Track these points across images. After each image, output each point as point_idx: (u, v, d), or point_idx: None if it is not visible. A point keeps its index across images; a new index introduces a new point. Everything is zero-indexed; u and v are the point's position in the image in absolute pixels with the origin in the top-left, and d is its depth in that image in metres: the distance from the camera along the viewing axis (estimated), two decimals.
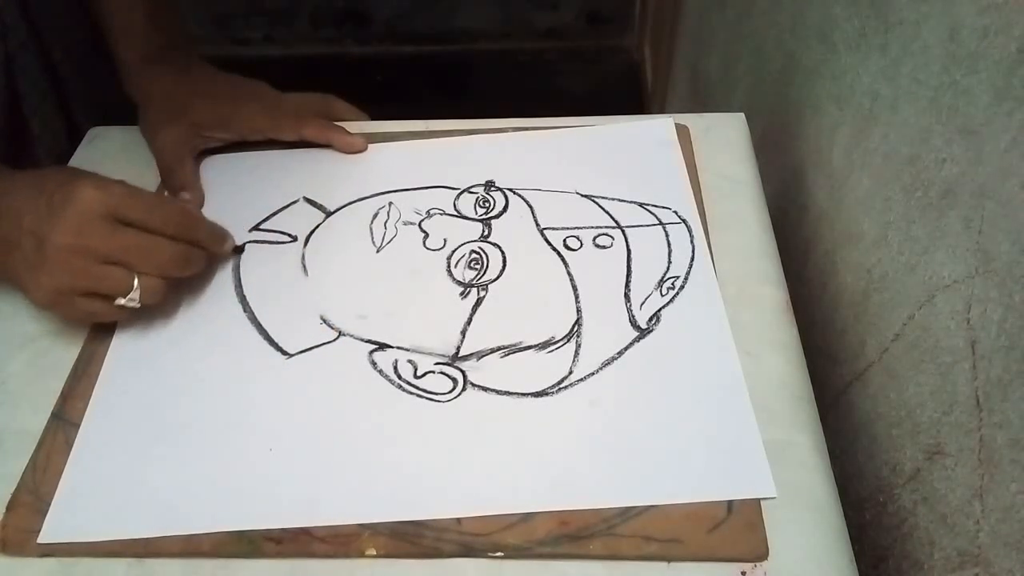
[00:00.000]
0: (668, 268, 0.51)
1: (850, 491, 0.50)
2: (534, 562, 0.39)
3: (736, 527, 0.39)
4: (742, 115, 0.61)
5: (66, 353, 0.48)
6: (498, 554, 0.39)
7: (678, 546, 0.39)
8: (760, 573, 0.38)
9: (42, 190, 0.45)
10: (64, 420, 0.45)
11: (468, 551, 0.39)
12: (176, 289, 0.49)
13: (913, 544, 0.43)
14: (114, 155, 0.62)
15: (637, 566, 0.39)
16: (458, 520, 0.40)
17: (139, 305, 0.46)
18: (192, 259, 0.48)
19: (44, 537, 0.40)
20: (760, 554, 0.39)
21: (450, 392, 0.45)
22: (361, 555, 0.39)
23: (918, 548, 0.43)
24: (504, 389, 0.45)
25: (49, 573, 0.40)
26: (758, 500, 0.40)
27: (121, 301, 0.45)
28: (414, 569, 0.39)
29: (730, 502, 0.40)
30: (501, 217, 0.55)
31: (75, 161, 0.62)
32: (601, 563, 0.39)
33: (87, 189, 0.44)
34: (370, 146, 0.60)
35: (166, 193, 0.58)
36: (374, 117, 0.64)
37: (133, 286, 0.45)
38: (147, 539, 0.40)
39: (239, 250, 0.53)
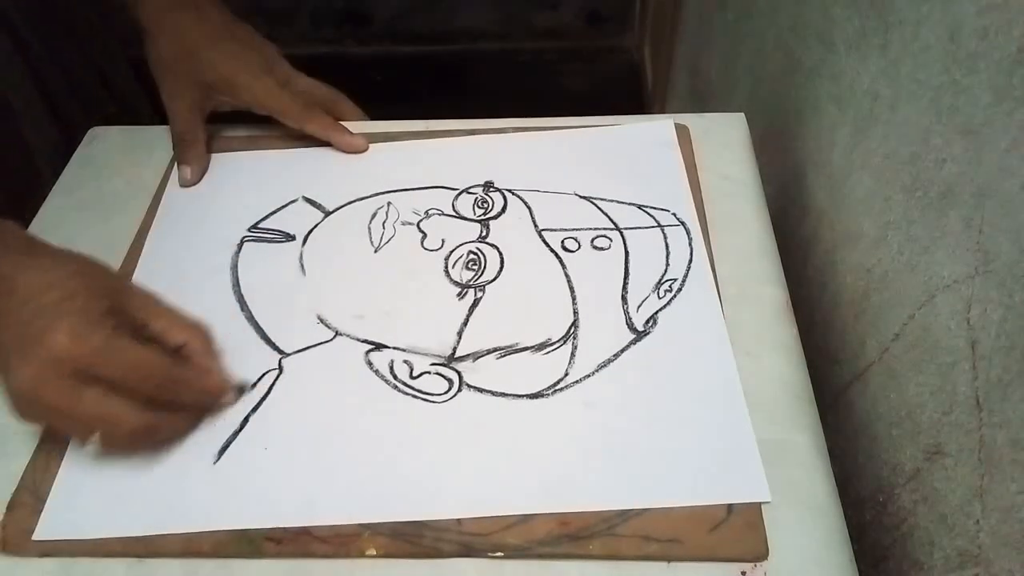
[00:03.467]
0: (666, 271, 0.51)
1: (850, 491, 0.50)
2: (534, 562, 0.39)
3: (736, 527, 0.39)
4: (742, 115, 0.61)
5: None
6: (498, 554, 0.39)
7: (678, 546, 0.39)
8: (760, 573, 0.38)
9: (29, 301, 0.39)
10: None
11: (468, 551, 0.39)
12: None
13: (913, 544, 0.43)
14: (114, 155, 0.62)
15: (637, 566, 0.39)
16: (458, 520, 0.40)
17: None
18: (161, 429, 0.42)
19: (40, 534, 0.40)
20: (760, 554, 0.39)
21: (446, 393, 0.45)
22: (361, 555, 0.39)
23: (918, 548, 0.43)
24: (500, 390, 0.45)
25: (49, 573, 0.40)
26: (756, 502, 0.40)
27: (80, 444, 0.42)
28: (414, 569, 0.39)
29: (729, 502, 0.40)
30: (499, 218, 0.54)
31: (75, 161, 0.62)
32: (601, 563, 0.39)
33: (59, 337, 0.38)
34: (369, 146, 0.60)
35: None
36: (374, 117, 0.64)
37: (89, 441, 0.41)
38: (147, 539, 0.40)
39: (242, 391, 0.46)
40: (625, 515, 0.40)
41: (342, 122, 0.61)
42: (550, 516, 0.40)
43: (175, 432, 0.43)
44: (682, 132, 0.59)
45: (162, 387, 0.41)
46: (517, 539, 0.39)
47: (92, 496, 0.42)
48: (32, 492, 0.42)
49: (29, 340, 0.39)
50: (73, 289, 0.40)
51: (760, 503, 0.40)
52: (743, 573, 0.38)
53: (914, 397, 0.43)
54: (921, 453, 0.42)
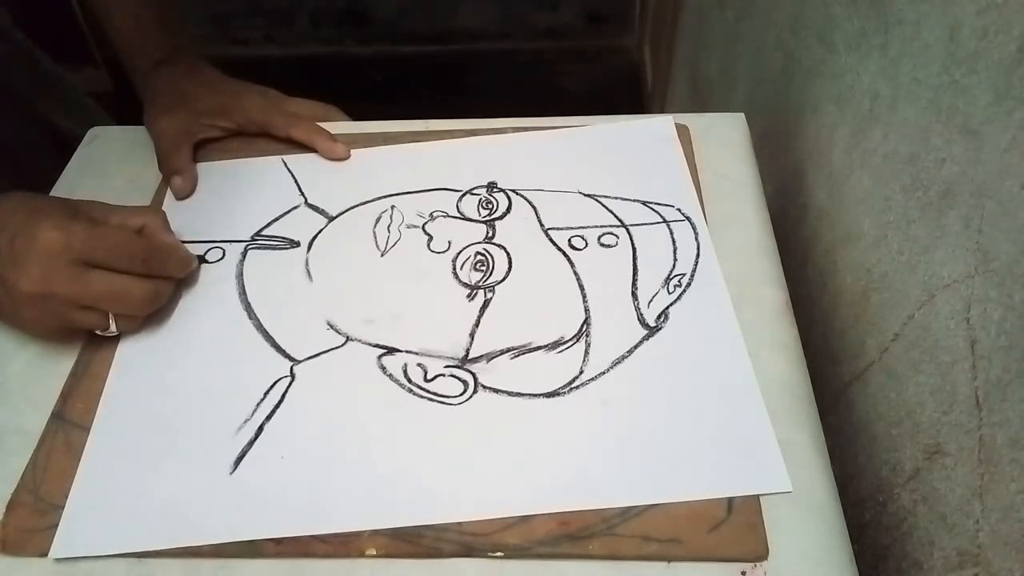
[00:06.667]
0: (674, 266, 0.51)
1: (850, 491, 0.50)
2: (534, 562, 0.39)
3: (736, 527, 0.39)
4: (742, 115, 0.61)
5: (66, 353, 0.48)
6: (498, 554, 0.39)
7: (678, 546, 0.39)
8: (760, 573, 0.38)
9: (3, 228, 0.44)
10: (64, 420, 0.45)
11: (468, 551, 0.39)
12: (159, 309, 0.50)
13: (913, 544, 0.43)
14: (114, 155, 0.62)
15: (637, 566, 0.39)
16: (458, 520, 0.40)
17: (118, 334, 0.48)
18: (162, 293, 0.48)
19: (56, 552, 0.40)
20: (760, 554, 0.39)
21: (461, 395, 0.45)
22: (361, 555, 0.39)
23: (918, 548, 0.43)
24: (515, 390, 0.45)
25: (49, 573, 0.40)
26: (758, 499, 0.40)
27: (100, 333, 0.47)
28: (414, 569, 0.39)
29: (730, 501, 0.40)
30: (505, 218, 0.55)
31: (75, 161, 0.62)
32: (601, 563, 0.39)
33: (48, 232, 0.42)
34: (369, 150, 0.60)
35: (160, 179, 0.59)
36: (374, 117, 0.64)
37: (108, 324, 0.46)
38: None
39: (202, 260, 0.53)
40: (625, 515, 0.40)
41: (331, 123, 0.62)
42: (550, 516, 0.40)
43: (168, 295, 0.49)
44: (682, 132, 0.59)
45: (149, 260, 0.46)
46: (517, 539, 0.39)
47: (107, 512, 0.41)
48: (32, 492, 0.42)
49: (20, 251, 0.42)
50: (35, 206, 0.45)
51: (761, 501, 0.40)
52: (743, 573, 0.38)
53: (914, 397, 0.43)
54: (921, 453, 0.43)
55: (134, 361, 0.48)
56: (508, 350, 0.47)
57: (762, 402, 0.44)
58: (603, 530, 0.39)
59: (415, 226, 0.54)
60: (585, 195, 0.56)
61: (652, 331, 0.48)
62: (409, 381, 0.46)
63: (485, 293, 0.50)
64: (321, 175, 0.59)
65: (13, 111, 0.70)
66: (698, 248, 0.52)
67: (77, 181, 0.60)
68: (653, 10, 1.67)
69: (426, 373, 0.46)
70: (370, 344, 0.48)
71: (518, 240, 0.53)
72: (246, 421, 0.44)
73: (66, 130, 0.72)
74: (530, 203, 0.55)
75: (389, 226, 0.54)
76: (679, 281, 0.50)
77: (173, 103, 0.60)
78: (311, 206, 0.57)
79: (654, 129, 0.60)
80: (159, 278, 0.47)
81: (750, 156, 0.59)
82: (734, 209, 0.55)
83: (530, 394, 0.45)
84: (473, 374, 0.46)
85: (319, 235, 0.54)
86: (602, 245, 0.52)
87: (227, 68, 0.64)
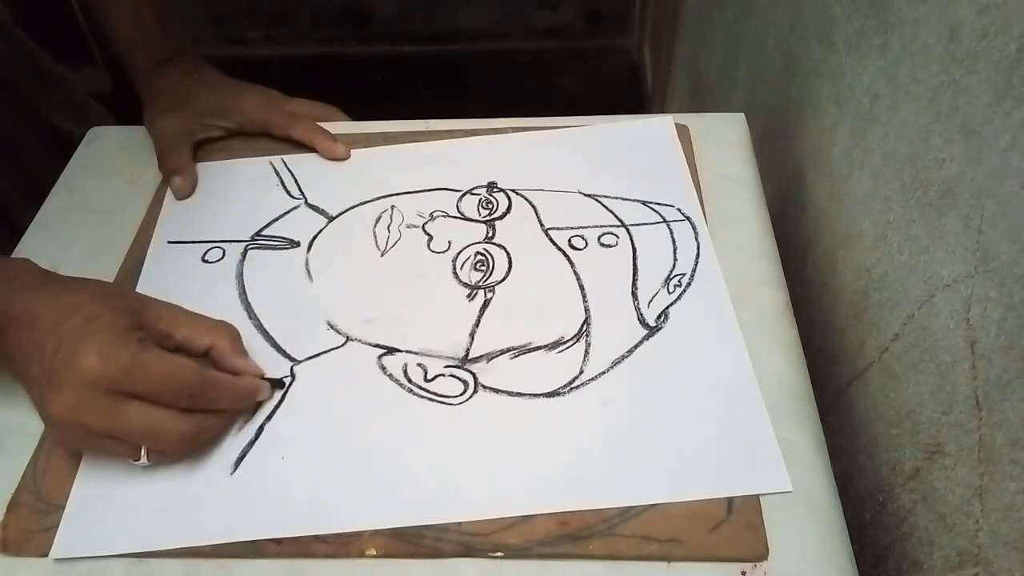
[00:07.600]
0: (674, 266, 0.51)
1: (850, 491, 0.50)
2: (534, 562, 0.39)
3: (736, 527, 0.39)
4: (742, 115, 0.61)
5: None
6: (498, 554, 0.39)
7: (678, 546, 0.39)
8: (760, 573, 0.38)
9: (52, 333, 0.39)
10: None
11: (468, 551, 0.39)
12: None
13: (913, 543, 0.43)
14: (114, 155, 0.62)
15: (637, 566, 0.39)
16: (458, 520, 0.40)
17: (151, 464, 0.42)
18: (205, 430, 0.42)
19: (56, 552, 0.40)
20: (760, 554, 0.39)
21: (461, 395, 0.45)
22: (361, 555, 0.39)
23: (918, 547, 0.43)
24: (515, 390, 0.45)
25: (49, 573, 0.40)
26: (758, 499, 0.40)
27: (133, 462, 0.42)
28: (414, 569, 0.39)
29: (730, 501, 0.40)
30: (505, 218, 0.55)
31: (75, 161, 0.62)
32: (601, 563, 0.39)
33: (88, 359, 0.38)
34: (369, 150, 0.60)
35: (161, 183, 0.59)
36: (374, 117, 0.64)
37: (140, 456, 0.41)
38: None
39: (279, 385, 0.46)
40: (625, 515, 0.40)
41: (331, 123, 0.62)
42: (550, 516, 0.40)
43: (218, 431, 0.43)
44: (682, 132, 0.59)
45: (197, 396, 0.41)
46: (517, 539, 0.39)
47: (108, 512, 0.41)
48: (32, 492, 0.42)
49: (59, 368, 0.38)
50: (93, 311, 0.40)
51: (761, 501, 0.40)
52: (743, 573, 0.38)
53: (914, 397, 0.43)
54: (921, 453, 0.43)
55: None
56: (508, 350, 0.47)
57: (762, 402, 0.44)
58: (603, 530, 0.39)
59: (415, 226, 0.54)
60: (585, 195, 0.56)
61: (652, 331, 0.48)
62: (409, 381, 0.46)
63: (485, 293, 0.50)
64: (321, 175, 0.59)
65: (14, 111, 0.71)
66: (698, 248, 0.52)
67: (77, 181, 0.60)
68: (653, 10, 1.67)
69: (426, 373, 0.46)
70: (370, 344, 0.48)
71: (518, 240, 0.53)
72: (246, 421, 0.44)
73: (66, 130, 0.72)
74: (530, 203, 0.55)
75: (389, 226, 0.54)
76: (679, 281, 0.50)
77: (173, 103, 0.60)
78: (311, 206, 0.57)
79: (654, 129, 0.60)
80: (206, 413, 0.42)
81: (750, 156, 0.59)
82: (734, 209, 0.55)
83: (530, 394, 0.45)
84: (473, 374, 0.46)
85: (319, 235, 0.54)
86: (602, 245, 0.52)
87: (227, 68, 0.64)
